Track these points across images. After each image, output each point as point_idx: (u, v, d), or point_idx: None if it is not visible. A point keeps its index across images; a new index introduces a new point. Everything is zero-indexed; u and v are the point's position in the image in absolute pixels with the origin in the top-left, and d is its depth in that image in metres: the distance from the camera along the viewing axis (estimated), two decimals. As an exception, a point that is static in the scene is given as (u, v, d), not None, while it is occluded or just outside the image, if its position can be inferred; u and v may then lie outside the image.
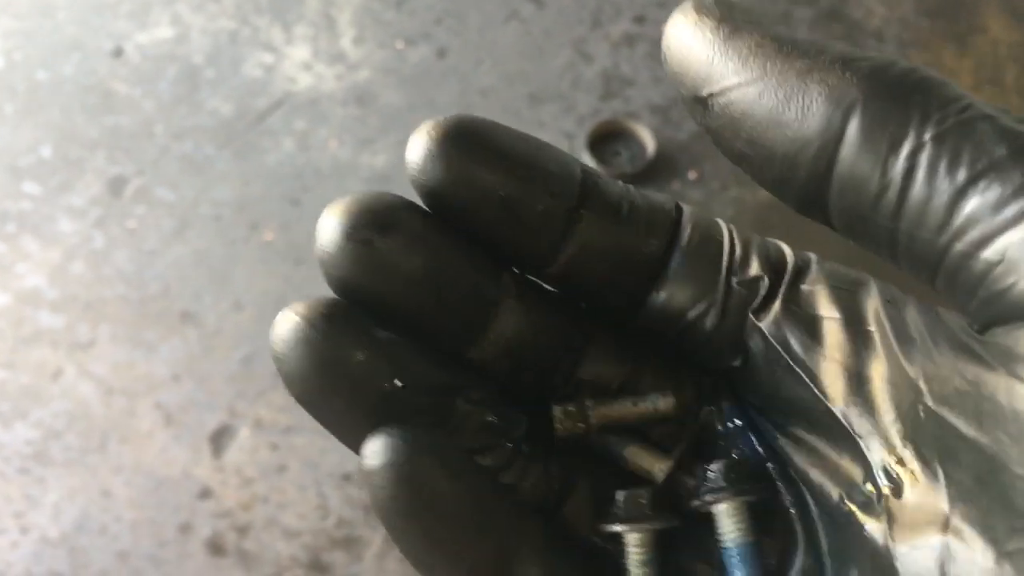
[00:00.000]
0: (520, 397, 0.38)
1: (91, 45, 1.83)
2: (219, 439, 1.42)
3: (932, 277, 0.31)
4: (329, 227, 0.33)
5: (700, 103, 0.32)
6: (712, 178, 1.64)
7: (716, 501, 0.36)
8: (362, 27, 1.84)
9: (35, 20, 1.86)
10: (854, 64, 0.30)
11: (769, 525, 0.36)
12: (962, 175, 0.28)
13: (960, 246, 0.29)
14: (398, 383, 0.33)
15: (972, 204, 0.28)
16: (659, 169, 1.64)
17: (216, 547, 1.34)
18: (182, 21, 1.86)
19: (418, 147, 0.33)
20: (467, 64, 1.79)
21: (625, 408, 0.38)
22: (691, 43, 0.31)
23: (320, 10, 1.86)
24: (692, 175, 1.64)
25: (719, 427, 0.38)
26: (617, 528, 0.36)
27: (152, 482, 1.39)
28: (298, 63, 1.80)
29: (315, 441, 1.41)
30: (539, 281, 0.38)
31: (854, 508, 0.32)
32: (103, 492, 1.38)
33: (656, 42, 1.82)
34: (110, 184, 1.66)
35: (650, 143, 1.65)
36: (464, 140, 0.33)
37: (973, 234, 0.29)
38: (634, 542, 0.36)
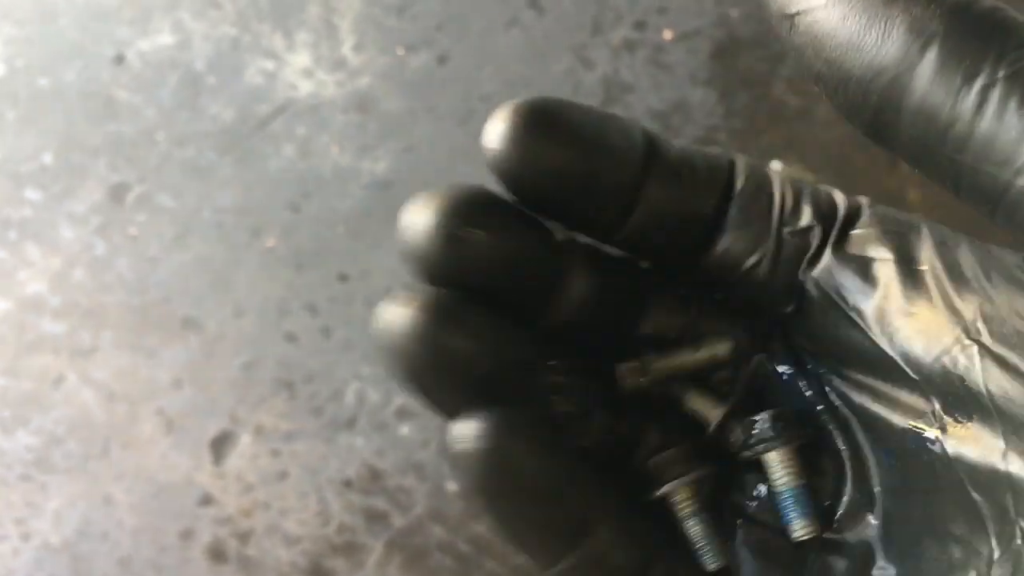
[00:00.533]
0: (583, 359, 0.40)
1: (92, 52, 1.83)
2: (220, 445, 1.42)
3: (992, 212, 0.31)
4: (419, 221, 0.36)
5: (787, 20, 0.33)
6: (713, 184, 1.64)
7: (766, 449, 0.37)
8: (363, 34, 1.85)
9: (36, 27, 1.87)
10: None
11: (819, 466, 0.38)
12: None
13: (1023, 181, 0.29)
14: (479, 350, 0.36)
15: None
16: (660, 175, 1.64)
17: (217, 553, 1.35)
18: (183, 28, 1.86)
19: (495, 133, 0.36)
20: (468, 70, 1.80)
21: (686, 356, 0.40)
22: None
23: (321, 17, 1.87)
24: (693, 181, 1.64)
25: (771, 373, 0.40)
26: (662, 492, 0.38)
27: (153, 488, 1.39)
28: (299, 70, 1.80)
29: (316, 447, 1.41)
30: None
31: (921, 440, 0.34)
32: (105, 498, 1.38)
33: (656, 48, 1.82)
34: (112, 191, 1.67)
35: (651, 149, 1.65)
36: (538, 123, 0.36)
37: None
38: (678, 499, 0.38)
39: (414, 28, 1.91)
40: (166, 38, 1.88)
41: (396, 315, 0.36)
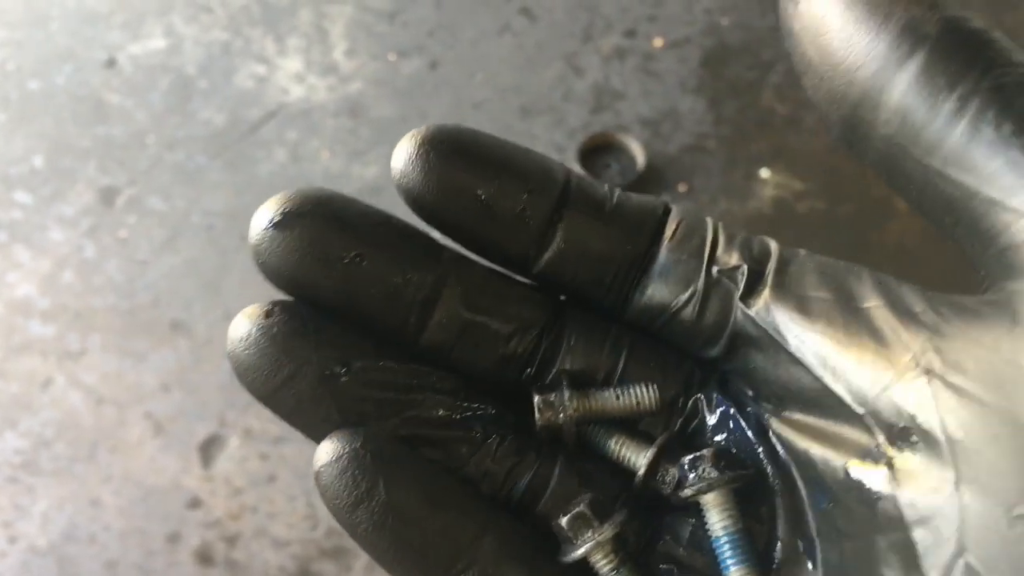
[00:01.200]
0: (504, 388, 0.39)
1: (84, 55, 1.83)
2: (208, 449, 1.42)
3: (954, 223, 0.32)
4: (256, 216, 0.37)
5: (791, 5, 0.34)
6: (701, 191, 1.65)
7: (703, 491, 0.36)
8: (354, 39, 1.85)
9: (28, 30, 1.87)
10: (940, 6, 0.32)
11: (756, 510, 0.37)
12: (1007, 127, 0.30)
13: (990, 191, 0.30)
14: (342, 369, 0.35)
15: (1011, 155, 0.30)
16: (649, 182, 1.65)
17: (205, 557, 1.34)
18: (175, 32, 1.87)
19: (401, 154, 0.36)
20: (459, 76, 1.80)
21: (607, 401, 0.38)
22: None
23: (313, 22, 1.87)
24: (682, 188, 1.65)
25: (707, 415, 0.39)
26: (575, 555, 0.35)
27: (141, 491, 1.38)
28: (291, 74, 1.81)
29: (305, 451, 1.41)
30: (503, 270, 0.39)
31: (862, 478, 0.33)
32: (92, 501, 1.38)
33: (646, 56, 1.83)
34: (102, 194, 1.66)
35: (640, 156, 1.66)
36: (443, 145, 0.36)
37: (1006, 181, 0.30)
38: (597, 559, 0.36)
39: (406, 34, 1.91)
40: (158, 42, 1.88)
41: (236, 327, 0.36)
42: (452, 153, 0.36)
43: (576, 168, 1.63)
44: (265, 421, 1.43)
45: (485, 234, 0.37)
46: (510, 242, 0.37)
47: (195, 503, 1.38)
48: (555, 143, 1.70)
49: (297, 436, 1.32)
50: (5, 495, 1.39)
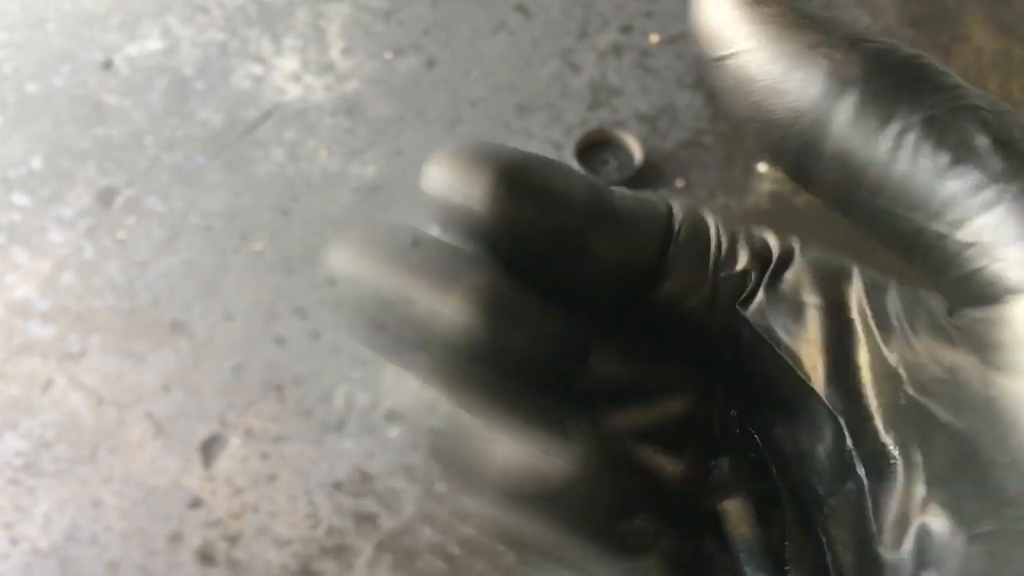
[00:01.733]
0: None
1: (81, 57, 1.83)
2: (209, 449, 1.42)
3: (911, 256, 0.32)
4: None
5: (714, 64, 0.33)
6: (699, 186, 1.65)
7: (723, 498, 0.36)
8: (351, 38, 1.85)
9: (25, 32, 1.87)
10: (862, 44, 0.31)
11: (768, 513, 0.37)
12: (944, 158, 0.29)
13: (936, 226, 0.30)
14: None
15: (951, 186, 0.29)
16: (646, 178, 1.65)
17: (206, 556, 1.35)
18: (172, 33, 1.87)
19: (465, 185, 0.33)
20: (456, 75, 1.80)
21: (637, 414, 0.38)
22: (715, 7, 0.33)
23: (309, 21, 1.87)
24: (679, 183, 1.65)
25: (723, 421, 0.39)
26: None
27: (142, 492, 1.39)
28: (287, 74, 1.81)
29: (305, 450, 1.41)
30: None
31: (835, 491, 0.34)
32: (93, 502, 1.38)
33: (643, 52, 1.83)
34: (100, 195, 1.67)
35: (637, 152, 1.66)
36: (505, 176, 0.33)
37: (950, 215, 0.29)
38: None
39: (402, 32, 1.91)
40: (154, 43, 1.88)
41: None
42: (516, 185, 0.33)
43: (574, 165, 1.63)
44: (265, 420, 1.44)
45: (546, 264, 0.35)
46: (550, 265, 0.35)
47: (196, 503, 1.38)
48: (552, 140, 1.70)
49: (298, 435, 1.32)
50: (6, 497, 1.39)
